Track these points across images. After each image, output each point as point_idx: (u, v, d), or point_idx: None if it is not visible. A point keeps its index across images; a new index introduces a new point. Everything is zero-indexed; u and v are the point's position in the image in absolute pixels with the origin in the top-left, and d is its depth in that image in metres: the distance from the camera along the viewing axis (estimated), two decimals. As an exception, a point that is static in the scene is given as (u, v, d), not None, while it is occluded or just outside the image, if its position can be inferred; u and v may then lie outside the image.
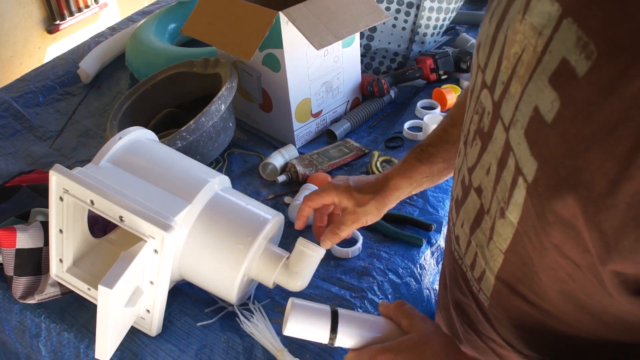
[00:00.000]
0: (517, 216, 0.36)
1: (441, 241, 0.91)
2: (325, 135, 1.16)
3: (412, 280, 0.85)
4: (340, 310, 0.57)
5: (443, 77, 1.23)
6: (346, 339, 0.56)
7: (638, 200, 0.26)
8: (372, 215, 0.68)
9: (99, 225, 0.86)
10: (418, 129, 1.12)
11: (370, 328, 0.56)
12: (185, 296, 0.81)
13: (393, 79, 1.21)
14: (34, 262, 0.81)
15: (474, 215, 0.45)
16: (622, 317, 0.33)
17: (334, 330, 0.56)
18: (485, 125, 0.40)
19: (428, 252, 0.89)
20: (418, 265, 0.86)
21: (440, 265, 0.91)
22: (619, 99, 0.26)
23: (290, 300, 0.58)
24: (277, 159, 1.05)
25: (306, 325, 0.56)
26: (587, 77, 0.28)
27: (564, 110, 0.30)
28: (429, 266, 0.88)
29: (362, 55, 1.28)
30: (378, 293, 0.81)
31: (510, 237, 0.39)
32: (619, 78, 0.26)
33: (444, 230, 0.92)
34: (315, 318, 0.56)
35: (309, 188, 0.96)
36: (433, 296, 0.88)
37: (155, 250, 0.67)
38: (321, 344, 0.57)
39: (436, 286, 0.88)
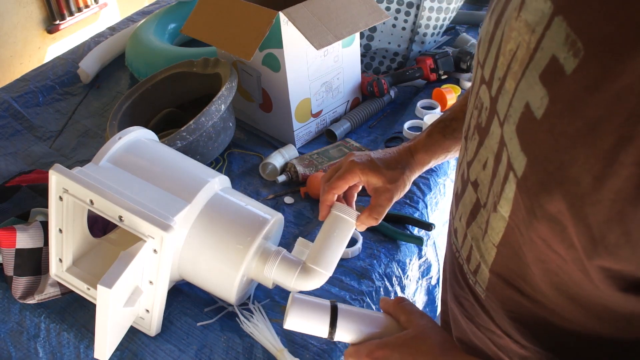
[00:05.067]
0: (508, 210, 0.37)
1: (441, 243, 0.91)
2: (325, 135, 1.16)
3: (411, 283, 0.85)
4: (340, 305, 0.58)
5: (443, 77, 1.23)
6: (345, 334, 0.57)
7: (622, 196, 0.27)
8: (405, 188, 0.67)
9: (98, 225, 0.86)
10: (418, 129, 1.12)
11: (369, 323, 0.57)
12: (185, 296, 0.81)
13: (393, 79, 1.21)
14: (34, 262, 0.80)
15: (470, 208, 0.45)
16: (612, 308, 0.34)
17: (333, 324, 0.56)
18: (483, 120, 0.41)
19: (428, 254, 0.89)
20: (417, 269, 0.86)
21: (442, 265, 0.91)
22: (603, 96, 0.27)
23: (291, 294, 0.59)
24: (277, 159, 1.05)
25: (306, 319, 0.57)
26: (574, 74, 0.29)
27: (552, 106, 0.30)
28: (428, 269, 0.88)
29: (362, 55, 1.28)
30: (376, 297, 0.81)
31: (502, 230, 0.39)
32: (603, 76, 0.27)
33: (445, 231, 0.92)
34: (315, 312, 0.57)
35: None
36: (436, 298, 0.88)
37: (155, 250, 0.67)
38: (321, 341, 0.57)
39: (437, 291, 0.88)
